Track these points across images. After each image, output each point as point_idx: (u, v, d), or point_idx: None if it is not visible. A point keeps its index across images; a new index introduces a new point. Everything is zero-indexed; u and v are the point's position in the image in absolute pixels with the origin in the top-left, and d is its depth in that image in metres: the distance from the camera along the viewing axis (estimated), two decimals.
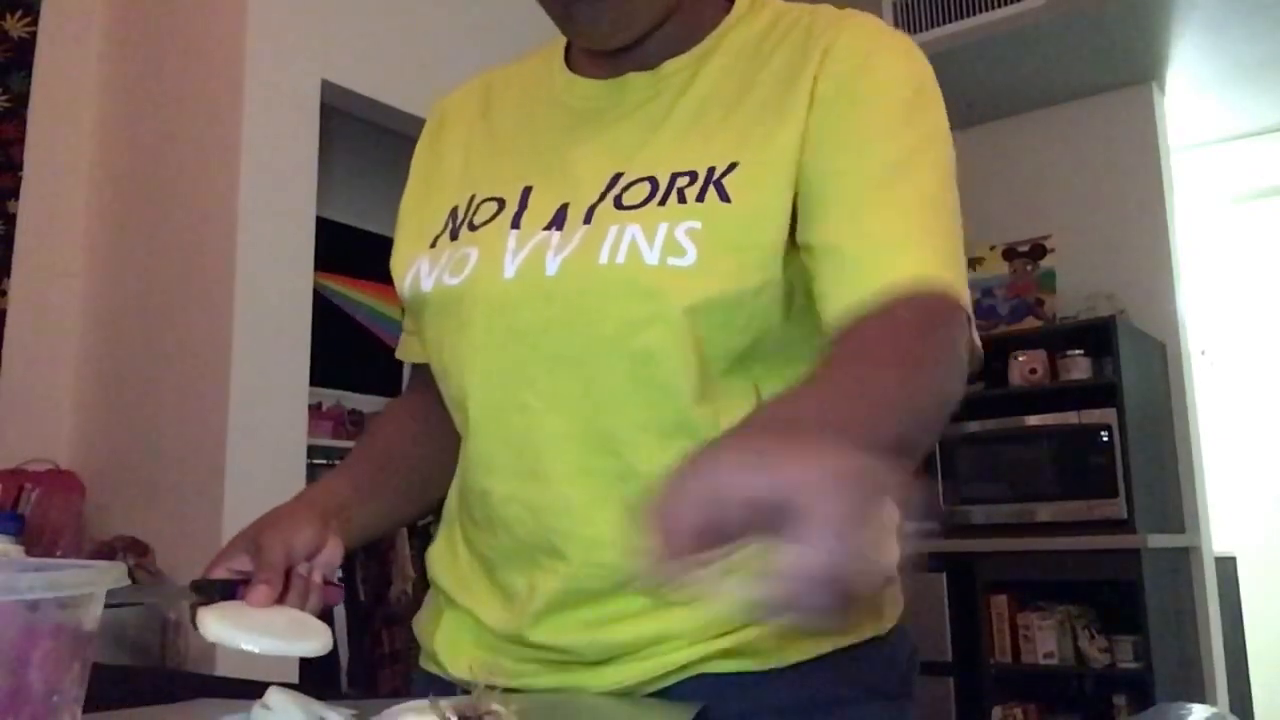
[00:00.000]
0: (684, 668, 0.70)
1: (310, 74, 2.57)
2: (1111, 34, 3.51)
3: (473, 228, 0.78)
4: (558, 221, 0.74)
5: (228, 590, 0.72)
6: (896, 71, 0.73)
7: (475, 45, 2.85)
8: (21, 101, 2.62)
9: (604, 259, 0.69)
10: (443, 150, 0.89)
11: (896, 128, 0.71)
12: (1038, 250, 3.84)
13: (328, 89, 2.62)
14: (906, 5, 3.70)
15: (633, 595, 0.71)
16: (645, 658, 0.71)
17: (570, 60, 0.85)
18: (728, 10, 0.80)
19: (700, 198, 0.70)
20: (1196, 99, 4.01)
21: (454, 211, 0.81)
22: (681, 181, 0.71)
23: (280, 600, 0.72)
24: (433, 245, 0.80)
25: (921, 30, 3.66)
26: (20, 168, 2.60)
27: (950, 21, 3.60)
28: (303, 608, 0.74)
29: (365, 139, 3.35)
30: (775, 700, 0.70)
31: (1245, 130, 4.35)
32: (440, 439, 0.86)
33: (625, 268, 0.69)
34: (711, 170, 0.71)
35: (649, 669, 0.71)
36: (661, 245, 0.68)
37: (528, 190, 0.77)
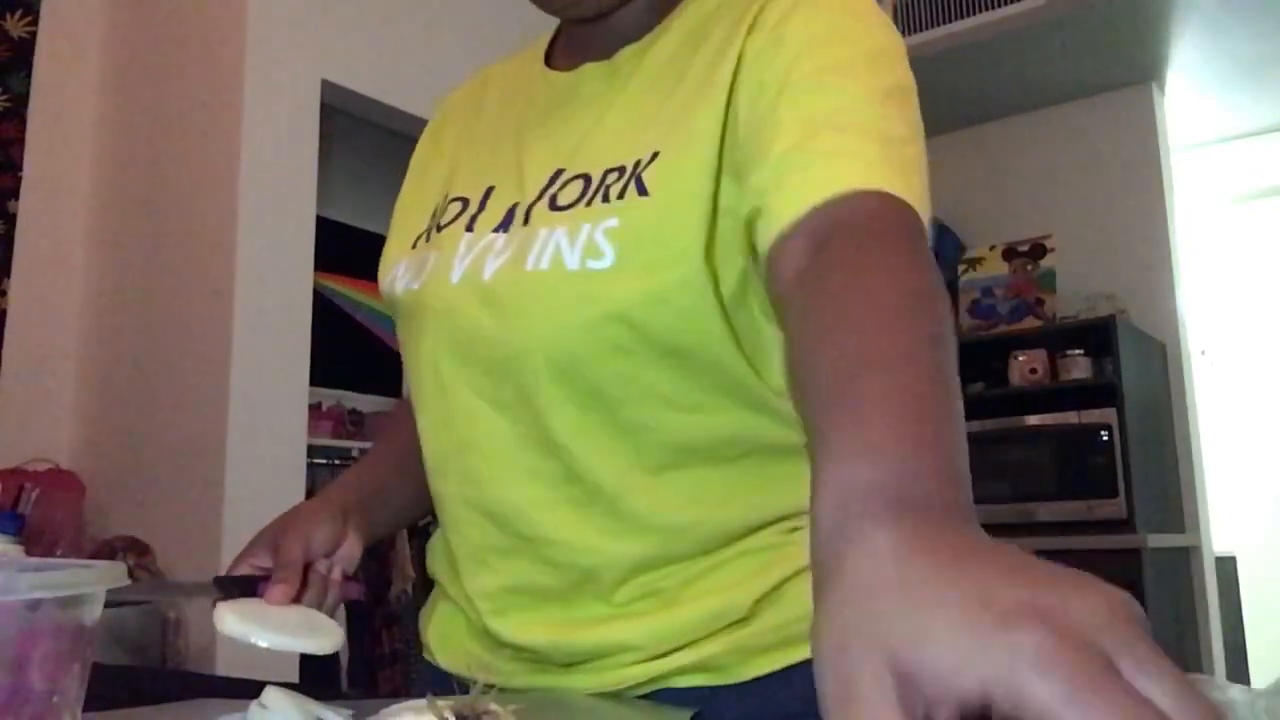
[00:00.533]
0: (646, 681, 0.70)
1: (310, 74, 2.58)
2: (1111, 34, 3.51)
3: (439, 229, 0.78)
4: (505, 224, 0.73)
5: (249, 587, 0.73)
6: (823, 11, 0.68)
7: (475, 45, 2.85)
8: (21, 101, 2.62)
9: (530, 265, 0.69)
10: (441, 145, 0.89)
11: (822, 71, 0.64)
12: (1038, 250, 3.84)
13: (328, 89, 2.62)
14: (907, 5, 3.70)
15: (591, 600, 0.71)
16: (606, 668, 0.71)
17: (550, 54, 0.84)
18: None
19: (621, 194, 0.68)
20: (1196, 99, 4.01)
21: (435, 211, 0.81)
22: (611, 178, 0.69)
23: (298, 597, 0.73)
24: (414, 246, 0.80)
25: (921, 30, 3.66)
26: (20, 168, 2.60)
27: (950, 21, 3.60)
28: (321, 604, 0.75)
29: (365, 139, 3.35)
30: (737, 716, 0.69)
31: (1245, 130, 4.35)
32: None
33: (549, 274, 0.68)
34: (637, 163, 0.69)
35: (611, 679, 0.70)
36: (582, 248, 0.67)
37: (490, 190, 0.77)
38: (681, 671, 0.70)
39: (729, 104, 0.67)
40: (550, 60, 0.84)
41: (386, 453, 0.92)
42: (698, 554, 0.70)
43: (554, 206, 0.71)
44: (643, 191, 0.67)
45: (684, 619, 0.69)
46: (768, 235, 0.60)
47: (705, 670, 0.70)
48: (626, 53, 0.76)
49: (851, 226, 0.55)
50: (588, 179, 0.71)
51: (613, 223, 0.67)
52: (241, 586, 0.73)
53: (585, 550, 0.70)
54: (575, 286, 0.67)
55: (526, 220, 0.72)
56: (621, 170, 0.69)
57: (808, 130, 0.61)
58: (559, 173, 0.73)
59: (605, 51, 0.77)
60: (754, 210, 0.63)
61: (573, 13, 0.76)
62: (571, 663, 0.72)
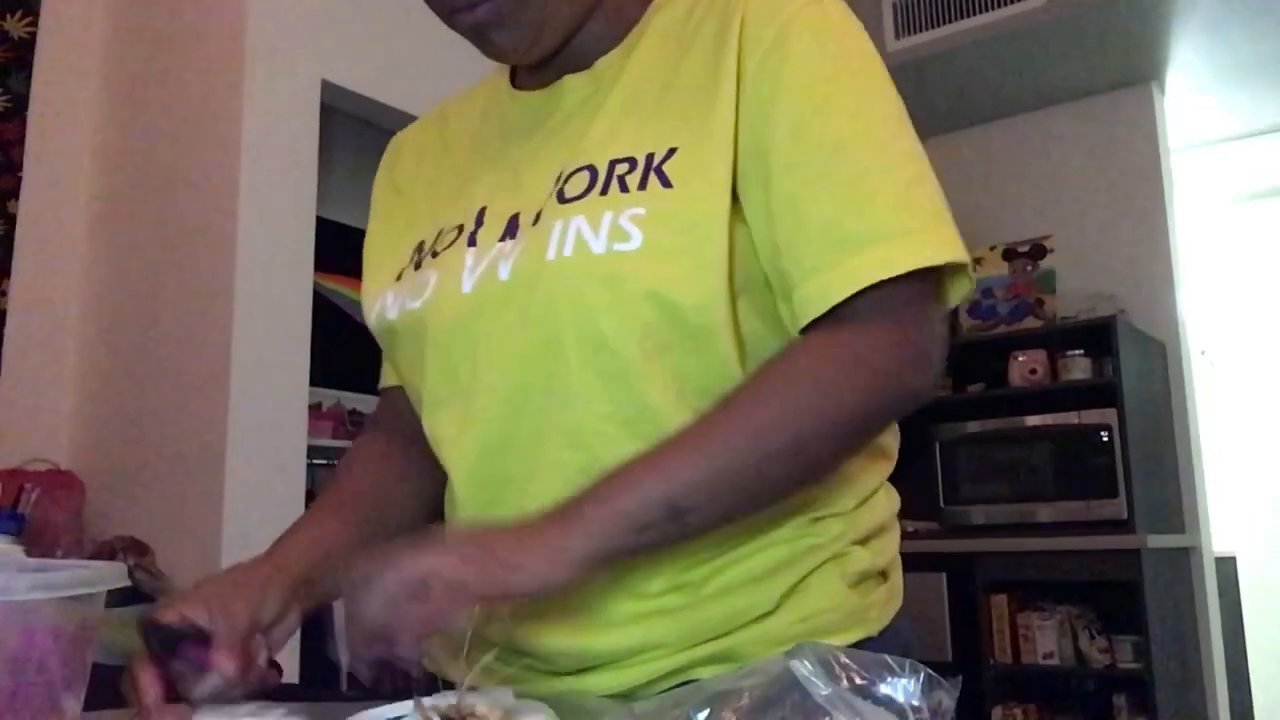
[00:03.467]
0: (670, 674, 0.70)
1: (310, 74, 2.57)
2: (1111, 34, 3.51)
3: (434, 255, 0.79)
4: (510, 231, 0.75)
5: (172, 641, 0.67)
6: (819, 39, 0.71)
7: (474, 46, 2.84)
8: (21, 102, 2.62)
9: (552, 254, 0.70)
10: (401, 184, 0.91)
11: (821, 112, 0.70)
12: (1038, 250, 3.84)
13: (328, 89, 2.61)
14: (906, 5, 3.70)
15: (615, 601, 0.70)
16: (629, 665, 0.71)
17: (516, 77, 0.86)
18: None
19: (642, 185, 0.70)
20: (1197, 99, 4.01)
21: (420, 245, 0.82)
22: (621, 169, 0.71)
23: (244, 673, 0.69)
24: (399, 278, 0.81)
25: (921, 30, 3.66)
26: (20, 168, 2.60)
27: (950, 22, 3.60)
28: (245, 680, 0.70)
29: (365, 139, 3.35)
30: None
31: (1245, 130, 4.35)
32: (418, 475, 0.88)
33: (574, 259, 0.69)
34: (651, 157, 0.71)
35: (634, 676, 0.71)
36: (607, 233, 0.69)
37: (483, 210, 0.78)
38: (708, 662, 0.70)
39: (737, 112, 0.71)
40: (516, 83, 0.86)
41: (333, 509, 0.87)
42: (724, 543, 0.71)
43: (563, 200, 0.72)
44: (666, 184, 0.69)
45: (711, 615, 0.70)
46: (796, 320, 0.70)
47: (728, 660, 0.70)
48: (606, 60, 0.79)
49: (814, 345, 0.68)
50: (593, 170, 0.72)
51: (639, 211, 0.69)
52: (165, 640, 0.67)
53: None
54: (603, 267, 0.68)
55: (536, 220, 0.73)
56: (632, 162, 0.71)
57: (839, 205, 0.68)
58: (561, 172, 0.74)
59: (579, 64, 0.79)
60: (787, 283, 0.70)
61: (530, 59, 0.79)
62: (586, 668, 0.72)
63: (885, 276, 0.66)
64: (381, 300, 0.82)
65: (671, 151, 0.70)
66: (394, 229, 0.87)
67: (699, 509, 0.63)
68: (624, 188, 0.70)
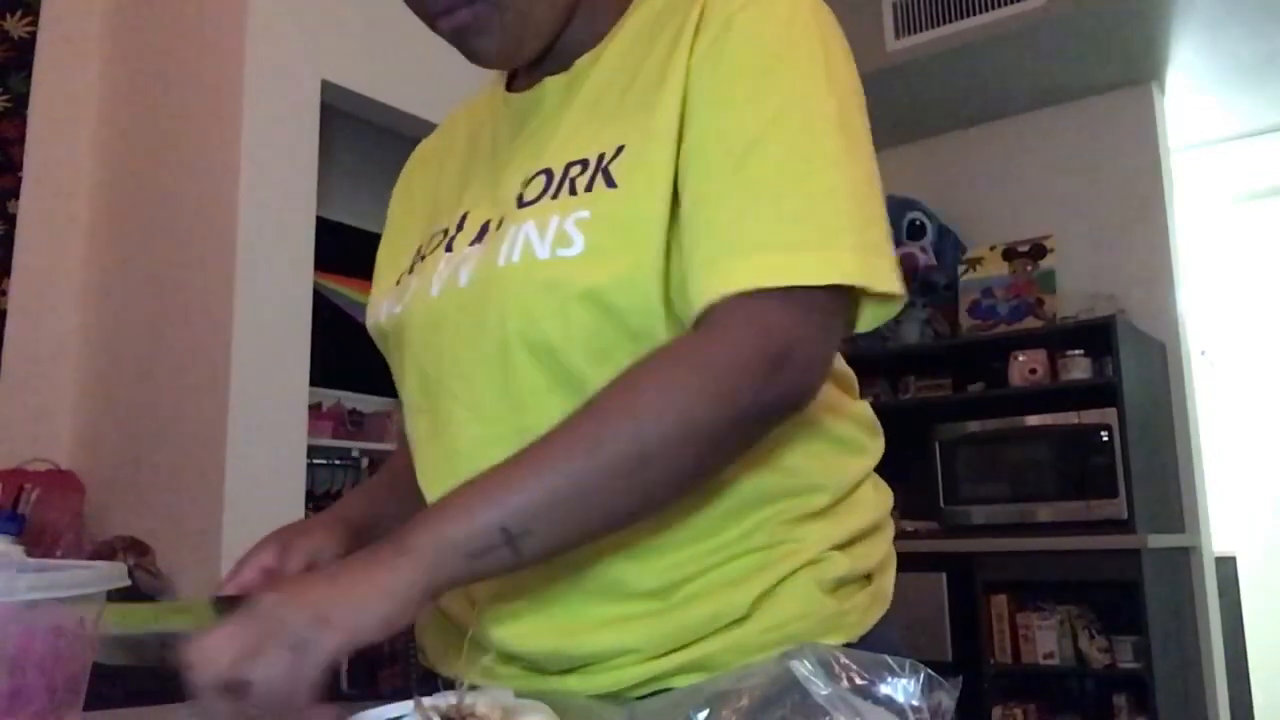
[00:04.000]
0: (644, 682, 0.70)
1: (310, 74, 2.57)
2: (1111, 34, 3.51)
3: (422, 259, 0.81)
4: (479, 236, 0.76)
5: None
6: (759, 30, 0.69)
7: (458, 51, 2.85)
8: (21, 102, 2.62)
9: (502, 260, 0.71)
10: (414, 193, 0.92)
11: (745, 104, 0.68)
12: (1038, 250, 3.84)
13: (328, 89, 2.61)
14: (906, 6, 3.70)
15: (589, 604, 0.71)
16: (605, 670, 0.71)
17: (512, 80, 0.87)
18: None
19: (589, 187, 0.70)
20: (1196, 99, 4.01)
21: (419, 250, 0.84)
22: (574, 171, 0.71)
23: None
24: (397, 284, 0.84)
25: (921, 30, 3.66)
26: (20, 168, 2.60)
27: (950, 22, 3.60)
28: None
29: (365, 139, 3.35)
30: None
31: (1245, 130, 4.35)
32: None
33: (520, 265, 0.70)
34: (601, 157, 0.71)
35: (608, 681, 0.70)
36: (552, 238, 0.69)
37: (465, 215, 0.79)
38: (680, 671, 0.70)
39: (683, 106, 0.70)
40: (510, 86, 0.86)
41: (386, 478, 0.95)
42: (697, 549, 0.71)
43: (521, 204, 0.73)
44: (611, 184, 0.69)
45: (684, 620, 0.70)
46: (689, 311, 0.68)
47: (703, 669, 0.70)
48: (583, 60, 0.79)
49: (677, 348, 0.66)
50: (549, 173, 0.73)
51: (584, 214, 0.69)
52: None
53: None
54: (546, 273, 0.69)
55: (499, 225, 0.74)
56: (585, 163, 0.71)
57: (739, 206, 0.66)
58: (525, 176, 0.75)
59: (561, 65, 0.79)
60: (682, 275, 0.68)
61: (512, 64, 0.79)
62: (567, 669, 0.72)
63: (760, 286, 0.63)
64: (380, 306, 0.84)
65: (620, 150, 0.70)
66: (401, 237, 0.89)
67: (535, 532, 0.61)
68: (573, 190, 0.70)
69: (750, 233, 0.65)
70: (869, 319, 0.70)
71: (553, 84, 0.80)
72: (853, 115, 0.69)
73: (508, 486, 0.62)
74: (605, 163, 0.70)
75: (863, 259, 0.65)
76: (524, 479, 0.62)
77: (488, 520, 0.60)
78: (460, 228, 0.79)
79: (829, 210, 0.65)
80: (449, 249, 0.78)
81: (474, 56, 0.78)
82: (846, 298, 0.67)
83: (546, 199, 0.71)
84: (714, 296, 0.64)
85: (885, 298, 0.68)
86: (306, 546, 0.79)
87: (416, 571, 0.59)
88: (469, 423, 0.74)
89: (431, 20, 0.76)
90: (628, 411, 0.63)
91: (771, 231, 0.65)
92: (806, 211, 0.65)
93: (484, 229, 0.76)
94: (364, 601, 0.57)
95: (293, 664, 0.54)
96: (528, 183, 0.74)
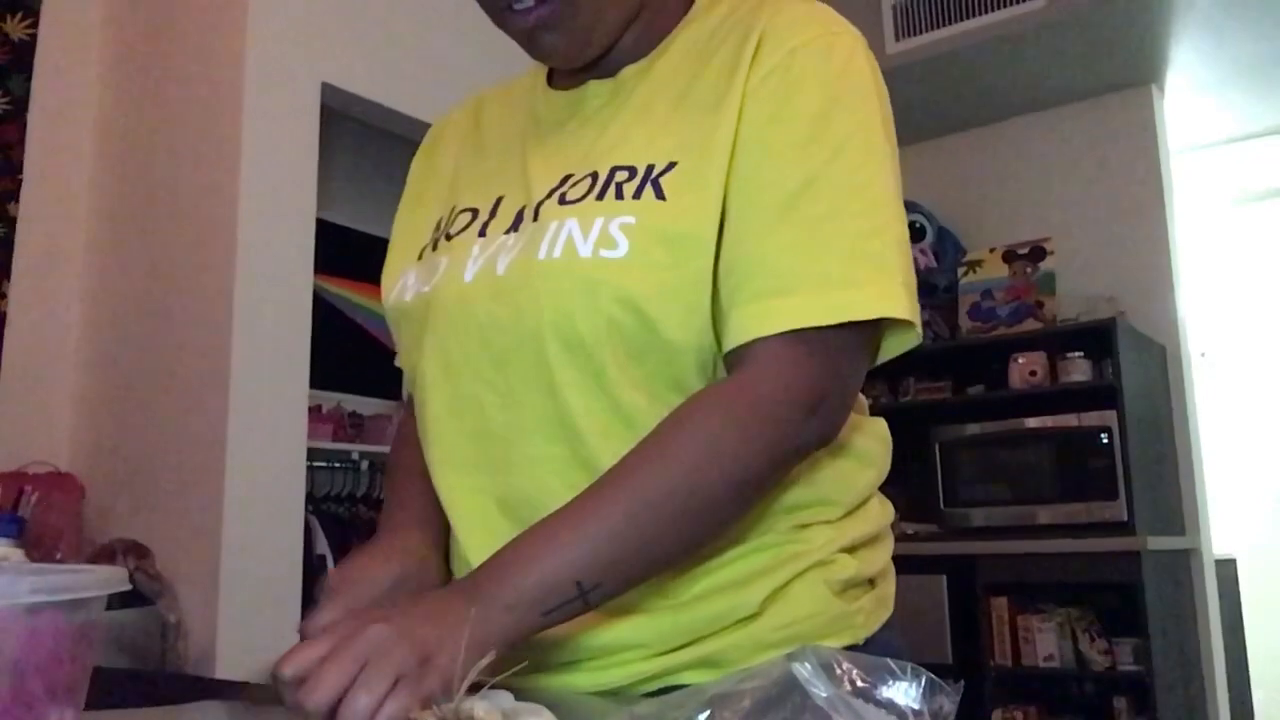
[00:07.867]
0: (653, 677, 0.71)
1: (310, 77, 2.58)
2: (1111, 35, 3.52)
3: (448, 238, 0.82)
4: (515, 225, 0.77)
5: None
6: (819, 71, 0.72)
7: (474, 49, 2.84)
8: (22, 104, 2.62)
9: (543, 254, 0.72)
10: (436, 165, 0.93)
11: (803, 145, 0.71)
12: (1037, 252, 3.84)
13: (328, 92, 2.62)
14: (906, 7, 3.70)
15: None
16: (612, 665, 0.71)
17: (552, 77, 0.88)
18: (687, 11, 0.83)
19: (637, 195, 0.71)
20: (1196, 100, 4.01)
21: (439, 224, 0.84)
22: (620, 176, 0.73)
23: None
24: (420, 258, 0.84)
25: (921, 32, 3.66)
26: (20, 170, 2.60)
27: (950, 23, 3.60)
28: None
29: (365, 141, 3.35)
30: None
31: (1245, 132, 4.35)
32: None
33: (560, 260, 0.71)
34: (651, 168, 0.72)
35: (616, 676, 0.71)
36: (596, 238, 0.70)
37: (499, 199, 0.81)
38: (689, 667, 0.71)
39: (735, 133, 0.72)
40: (551, 80, 0.88)
41: (421, 485, 0.87)
42: (708, 549, 0.71)
43: (563, 201, 0.74)
44: (660, 196, 0.71)
45: (694, 616, 0.71)
46: (724, 347, 0.71)
47: (713, 665, 0.70)
48: (630, 70, 0.80)
49: (726, 389, 0.69)
50: (595, 175, 0.74)
51: (629, 220, 0.70)
52: None
53: None
54: (588, 272, 0.70)
55: (536, 216, 0.75)
56: (632, 170, 0.73)
57: (788, 242, 0.69)
58: (567, 177, 0.76)
59: (607, 70, 0.81)
60: (723, 306, 0.71)
61: (576, 63, 0.80)
62: (572, 661, 0.72)
63: (805, 325, 0.67)
64: (403, 279, 0.84)
65: (671, 165, 0.72)
66: (422, 209, 0.90)
67: (604, 584, 0.64)
68: (619, 195, 0.72)
69: (799, 271, 0.68)
70: (893, 346, 0.74)
71: (595, 88, 0.81)
72: (892, 155, 0.73)
73: (577, 538, 0.63)
74: (655, 174, 0.72)
75: (897, 292, 0.68)
76: (591, 531, 0.64)
77: (559, 575, 0.62)
78: (494, 214, 0.80)
79: (873, 249, 0.69)
80: (482, 234, 0.79)
81: (540, 52, 0.79)
82: (876, 331, 0.71)
83: (591, 199, 0.73)
84: (757, 333, 0.67)
85: (905, 327, 0.72)
86: (384, 580, 0.75)
87: (505, 630, 0.61)
88: (499, 408, 0.75)
89: (501, 14, 0.77)
90: (690, 462, 0.65)
91: (820, 270, 0.68)
92: (852, 252, 0.68)
93: (519, 218, 0.77)
94: (458, 649, 0.58)
95: (394, 697, 0.55)
96: (573, 182, 0.75)
